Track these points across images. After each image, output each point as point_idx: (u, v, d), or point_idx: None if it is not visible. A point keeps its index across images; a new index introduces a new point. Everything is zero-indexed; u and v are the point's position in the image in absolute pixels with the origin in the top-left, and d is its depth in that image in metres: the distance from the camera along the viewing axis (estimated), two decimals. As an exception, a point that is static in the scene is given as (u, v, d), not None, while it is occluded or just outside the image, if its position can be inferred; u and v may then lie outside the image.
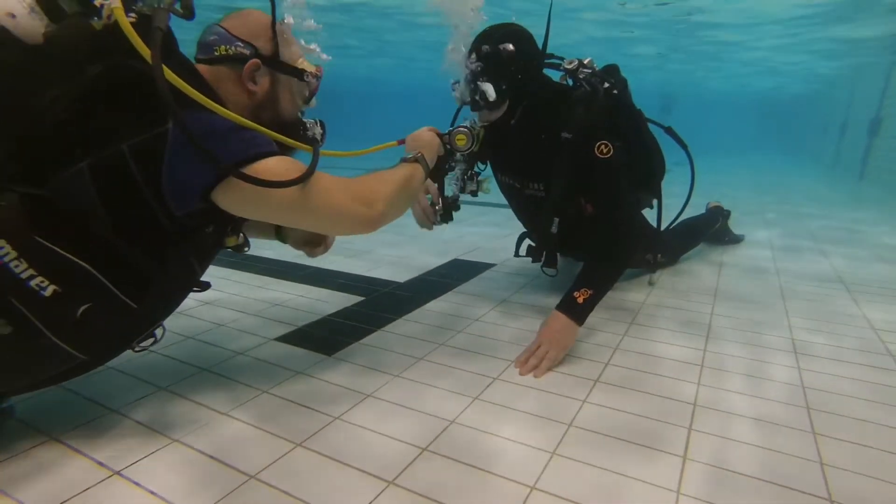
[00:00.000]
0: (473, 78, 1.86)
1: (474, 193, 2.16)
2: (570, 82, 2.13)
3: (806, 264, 3.18)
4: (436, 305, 2.38)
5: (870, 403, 1.55)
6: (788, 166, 11.72)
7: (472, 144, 1.82)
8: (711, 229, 3.49)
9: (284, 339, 1.98)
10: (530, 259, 2.35)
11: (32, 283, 1.02)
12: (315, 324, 2.14)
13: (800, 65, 14.82)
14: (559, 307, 1.87)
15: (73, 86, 1.05)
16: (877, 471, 1.23)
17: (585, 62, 2.07)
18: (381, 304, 2.38)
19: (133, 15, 1.04)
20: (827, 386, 1.65)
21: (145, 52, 1.00)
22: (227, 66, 1.28)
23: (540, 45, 1.98)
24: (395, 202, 1.35)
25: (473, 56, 1.85)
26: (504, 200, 2.48)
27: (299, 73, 1.38)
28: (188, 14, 1.12)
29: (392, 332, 2.07)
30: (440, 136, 1.75)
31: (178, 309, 1.47)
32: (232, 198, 1.13)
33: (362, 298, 2.46)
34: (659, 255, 2.77)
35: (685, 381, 1.67)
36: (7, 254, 1.00)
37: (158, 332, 1.37)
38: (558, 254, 2.37)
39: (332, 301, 2.42)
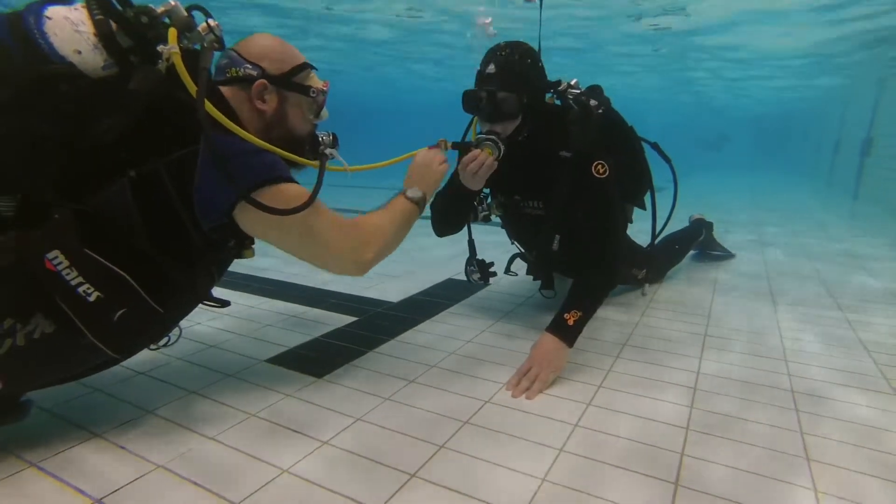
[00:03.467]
0: (492, 87, 1.84)
1: (486, 219, 2.23)
2: (558, 103, 2.17)
3: (801, 286, 3.17)
4: (429, 326, 2.37)
5: (857, 426, 1.54)
6: (785, 185, 11.80)
7: (499, 155, 1.85)
8: (696, 242, 3.52)
9: (275, 360, 1.96)
10: (531, 278, 2.35)
11: (80, 289, 1.15)
12: (307, 345, 2.13)
13: (792, 89, 15.08)
14: (549, 329, 1.87)
15: (126, 114, 1.17)
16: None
17: (572, 83, 2.10)
18: (373, 325, 2.37)
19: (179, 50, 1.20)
20: (819, 409, 1.64)
21: (192, 88, 1.16)
22: (238, 87, 1.39)
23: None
24: (387, 250, 1.52)
25: (493, 66, 1.85)
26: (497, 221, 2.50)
27: (306, 90, 1.44)
28: (220, 47, 1.31)
29: (384, 353, 2.05)
30: (458, 147, 1.83)
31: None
32: (246, 219, 1.27)
33: (355, 319, 2.45)
34: (645, 271, 2.79)
35: (678, 404, 1.66)
36: (60, 262, 1.13)
37: (174, 333, 1.48)
38: (555, 275, 2.40)
39: (324, 321, 2.40)
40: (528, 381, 1.73)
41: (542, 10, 2.03)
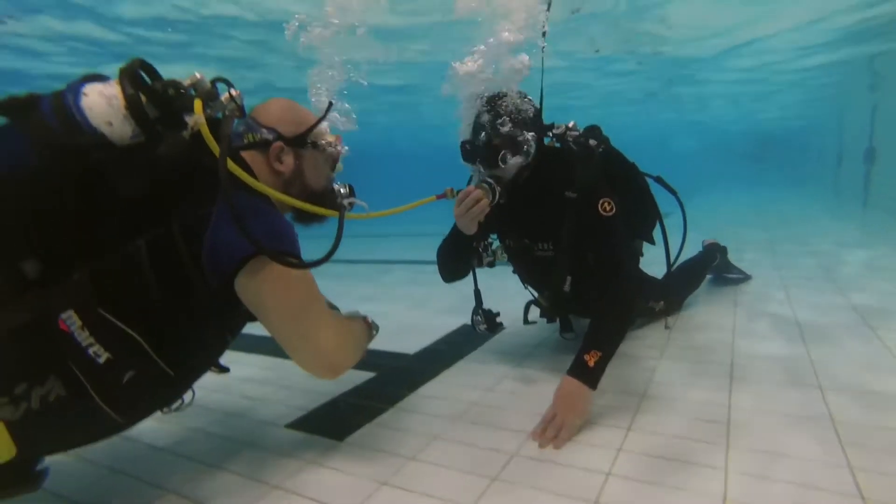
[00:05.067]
0: (491, 134, 1.91)
1: (491, 264, 2.21)
2: (558, 146, 2.20)
3: (825, 306, 3.09)
4: (448, 376, 2.33)
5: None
6: (792, 198, 11.75)
7: (493, 199, 1.89)
8: (711, 267, 3.47)
9: (294, 425, 1.93)
10: (545, 321, 2.32)
11: (91, 350, 1.14)
12: (326, 406, 2.09)
13: (790, 105, 15.26)
14: (570, 372, 1.81)
15: (146, 177, 1.23)
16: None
17: (570, 125, 2.15)
18: (392, 380, 2.33)
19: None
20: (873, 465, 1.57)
21: (216, 149, 1.21)
22: (256, 151, 1.45)
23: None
24: (350, 365, 1.49)
25: (488, 115, 1.92)
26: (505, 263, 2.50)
27: (320, 146, 1.53)
28: (241, 115, 1.39)
29: (405, 409, 2.01)
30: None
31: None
32: (248, 283, 1.25)
33: (373, 374, 2.41)
34: (662, 302, 2.74)
35: (712, 443, 1.59)
36: (74, 322, 1.13)
37: (187, 396, 1.46)
38: (571, 317, 2.37)
39: (341, 379, 2.35)
40: (554, 429, 1.68)
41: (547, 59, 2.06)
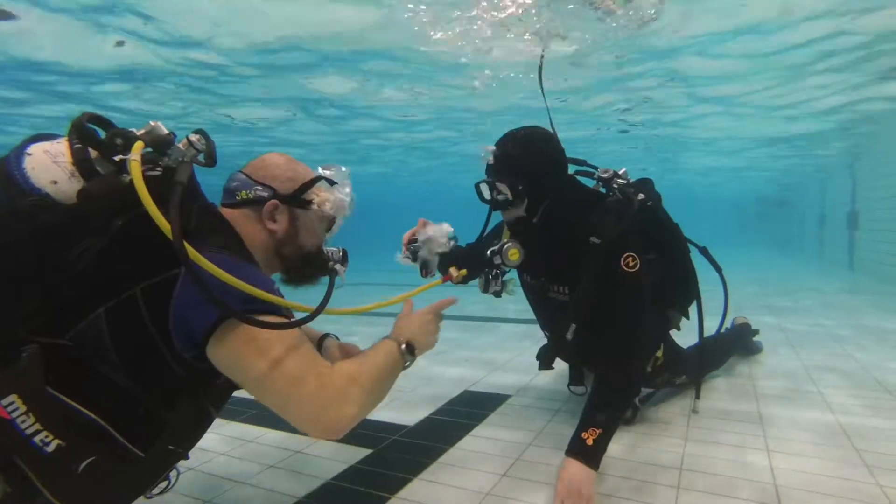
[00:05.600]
0: (491, 176, 1.89)
1: (498, 294, 2.11)
2: (604, 191, 2.10)
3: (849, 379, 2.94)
4: (454, 456, 2.07)
5: None
6: (777, 259, 11.89)
7: (522, 258, 1.90)
8: (738, 348, 3.26)
9: (279, 520, 1.65)
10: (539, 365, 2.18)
11: (36, 438, 0.98)
12: (316, 494, 1.81)
13: (768, 169, 15.71)
14: (569, 452, 1.73)
15: (98, 239, 1.09)
16: None
17: (620, 172, 2.04)
18: (390, 459, 2.06)
19: (158, 169, 1.14)
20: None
21: (146, 199, 1.01)
22: (249, 208, 1.34)
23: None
24: (364, 415, 1.19)
25: (491, 156, 1.89)
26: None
27: (318, 207, 1.41)
28: (211, 163, 1.23)
29: (408, 499, 1.75)
30: (487, 252, 1.89)
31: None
32: (221, 350, 1.08)
33: (368, 452, 2.14)
34: (683, 376, 2.55)
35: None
36: (16, 409, 0.97)
37: (172, 475, 1.30)
38: (584, 369, 2.28)
39: (333, 457, 2.09)
40: None
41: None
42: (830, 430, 2.21)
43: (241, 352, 1.08)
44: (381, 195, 24.84)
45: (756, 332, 3.46)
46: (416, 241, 1.86)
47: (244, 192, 1.34)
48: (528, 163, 1.86)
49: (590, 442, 1.69)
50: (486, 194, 1.92)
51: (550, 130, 1.99)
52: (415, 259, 1.86)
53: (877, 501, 1.64)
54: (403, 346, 1.34)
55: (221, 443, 2.24)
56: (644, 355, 2.07)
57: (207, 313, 1.05)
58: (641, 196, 2.01)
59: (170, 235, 1.00)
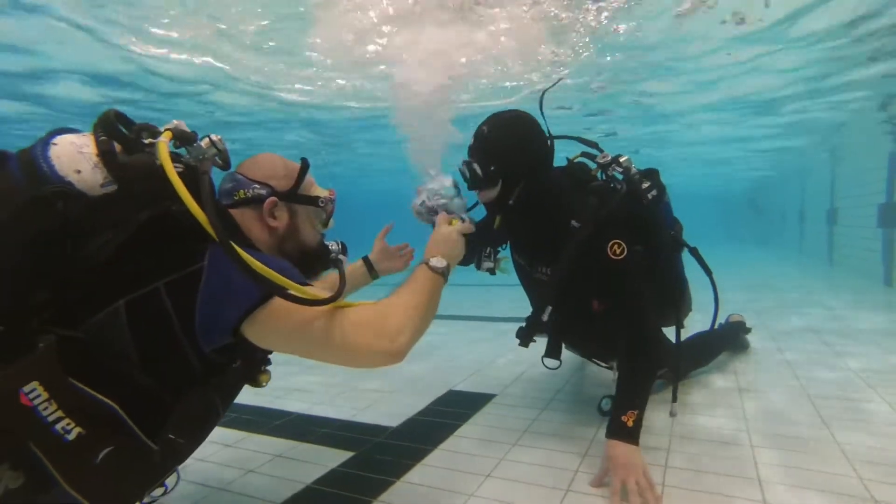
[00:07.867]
0: (469, 156, 1.92)
1: (492, 272, 2.17)
2: (601, 176, 2.09)
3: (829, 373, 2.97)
4: (439, 458, 2.04)
5: None
6: (759, 255, 12.03)
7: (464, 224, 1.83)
8: (729, 345, 3.25)
9: (259, 526, 1.60)
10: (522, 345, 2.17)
11: (58, 426, 1.00)
12: (297, 498, 1.77)
13: (747, 163, 15.89)
14: (612, 435, 1.80)
15: (121, 231, 1.10)
16: None
17: (621, 160, 2.00)
18: (373, 461, 2.03)
19: (180, 165, 1.15)
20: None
21: (176, 181, 1.06)
22: (248, 207, 1.36)
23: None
24: (419, 332, 1.27)
25: (472, 138, 1.93)
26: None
27: (314, 201, 1.45)
28: (226, 166, 1.29)
29: (389, 502, 1.71)
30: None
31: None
32: (262, 329, 1.12)
33: (351, 454, 2.10)
34: (665, 370, 2.54)
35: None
36: (38, 396, 0.98)
37: (170, 481, 1.31)
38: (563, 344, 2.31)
39: (314, 460, 2.05)
40: (637, 496, 1.64)
41: None
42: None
43: (291, 320, 1.12)
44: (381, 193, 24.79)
45: (749, 329, 3.46)
46: (422, 203, 1.88)
47: (242, 191, 1.36)
48: (503, 145, 1.87)
49: (630, 423, 1.78)
50: (468, 173, 1.93)
51: (539, 115, 1.96)
52: (429, 214, 1.86)
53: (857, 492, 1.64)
54: (434, 262, 1.39)
55: (200, 448, 2.18)
56: (656, 332, 2.13)
57: (247, 295, 1.09)
58: (646, 185, 1.96)
59: (205, 224, 1.04)
